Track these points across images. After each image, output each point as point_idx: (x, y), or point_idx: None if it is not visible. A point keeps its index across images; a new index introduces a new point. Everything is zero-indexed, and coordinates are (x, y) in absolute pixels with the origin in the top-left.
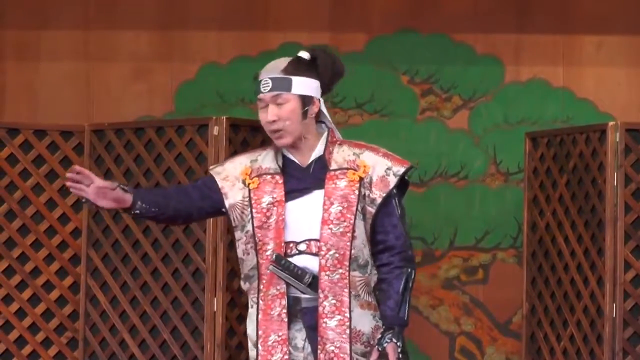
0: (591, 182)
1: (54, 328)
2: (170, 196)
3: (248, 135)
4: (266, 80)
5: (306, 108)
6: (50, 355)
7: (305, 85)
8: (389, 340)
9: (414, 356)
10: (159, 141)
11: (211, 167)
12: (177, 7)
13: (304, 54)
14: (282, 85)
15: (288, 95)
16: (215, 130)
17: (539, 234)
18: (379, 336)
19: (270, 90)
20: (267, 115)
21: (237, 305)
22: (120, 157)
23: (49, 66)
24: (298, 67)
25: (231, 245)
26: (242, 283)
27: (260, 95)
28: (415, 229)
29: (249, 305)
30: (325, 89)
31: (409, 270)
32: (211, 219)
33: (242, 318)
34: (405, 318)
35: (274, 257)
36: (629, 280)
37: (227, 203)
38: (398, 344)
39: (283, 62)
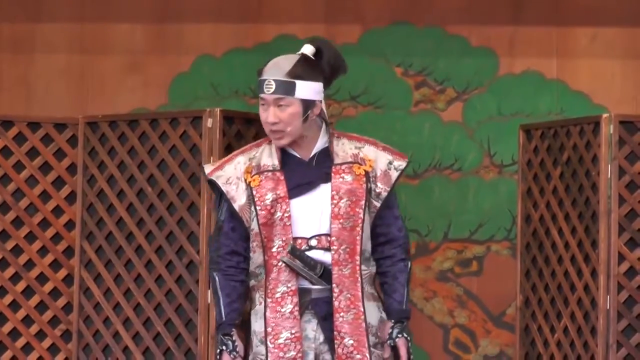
0: (585, 174)
1: (47, 320)
2: (241, 278)
3: (242, 128)
4: (269, 82)
5: (308, 112)
6: (44, 347)
7: (309, 90)
8: (400, 335)
9: None
10: (153, 133)
11: (207, 169)
12: None
13: (308, 49)
14: (285, 89)
15: (291, 99)
16: (209, 122)
17: (533, 226)
18: (389, 331)
19: (273, 93)
20: (268, 116)
21: None
22: (114, 149)
23: (44, 59)
24: (303, 70)
25: None
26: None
27: (263, 95)
28: (409, 221)
29: (257, 302)
30: (325, 84)
31: (410, 262)
32: (205, 212)
33: None
34: (409, 310)
35: (288, 248)
36: (623, 272)
37: (236, 207)
38: (408, 338)
39: (287, 62)
